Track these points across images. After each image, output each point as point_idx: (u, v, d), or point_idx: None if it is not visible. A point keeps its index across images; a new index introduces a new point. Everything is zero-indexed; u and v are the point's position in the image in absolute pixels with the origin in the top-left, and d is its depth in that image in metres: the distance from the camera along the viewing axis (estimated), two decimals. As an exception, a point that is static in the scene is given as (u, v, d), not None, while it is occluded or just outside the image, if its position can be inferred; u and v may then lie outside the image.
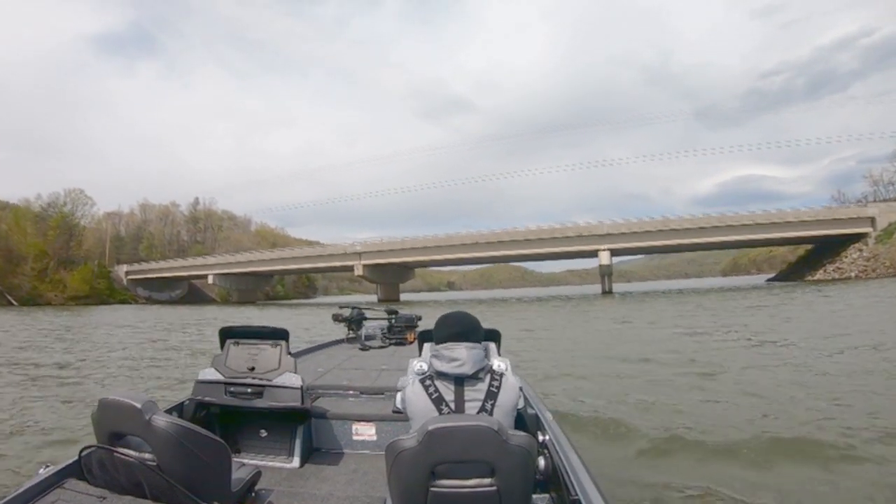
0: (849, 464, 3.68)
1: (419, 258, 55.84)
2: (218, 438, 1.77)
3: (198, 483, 1.64)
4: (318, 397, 3.31)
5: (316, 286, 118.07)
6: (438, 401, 1.68)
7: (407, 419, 1.77)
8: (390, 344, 5.44)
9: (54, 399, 6.76)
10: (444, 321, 1.86)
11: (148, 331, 19.19)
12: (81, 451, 1.76)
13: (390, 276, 60.20)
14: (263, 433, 2.89)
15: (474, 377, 1.71)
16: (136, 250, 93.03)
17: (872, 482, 3.36)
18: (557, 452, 1.94)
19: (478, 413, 1.65)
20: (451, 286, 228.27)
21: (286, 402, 2.73)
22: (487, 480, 1.43)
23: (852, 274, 44.72)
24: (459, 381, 1.71)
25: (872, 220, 46.23)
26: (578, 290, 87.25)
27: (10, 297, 58.91)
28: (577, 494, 1.58)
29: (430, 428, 1.40)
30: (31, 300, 59.84)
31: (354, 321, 5.71)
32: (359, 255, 56.32)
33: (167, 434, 1.61)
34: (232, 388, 2.81)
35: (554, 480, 1.88)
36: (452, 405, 1.67)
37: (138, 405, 1.63)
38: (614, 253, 49.97)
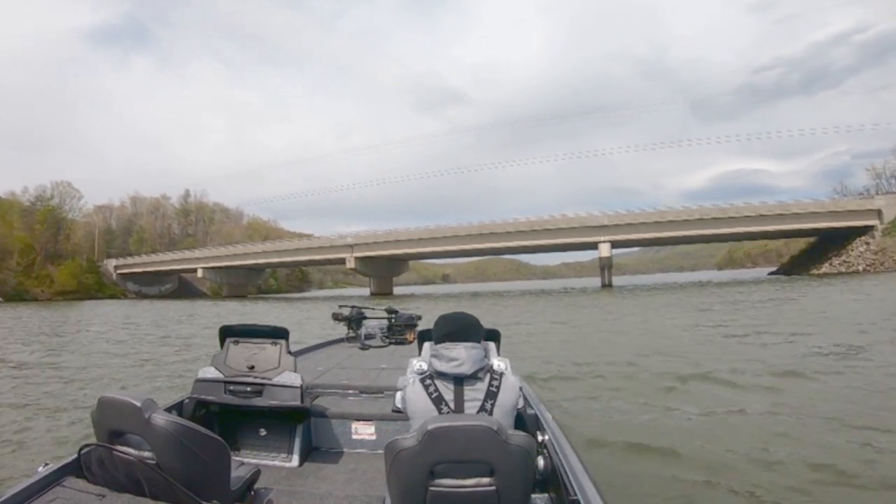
0: None
1: (412, 250, 54.26)
2: (217, 437, 1.77)
3: (197, 481, 1.65)
4: (318, 396, 3.27)
5: (310, 280, 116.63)
6: (438, 400, 1.68)
7: (406, 418, 1.76)
8: (390, 343, 5.36)
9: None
10: (443, 321, 1.84)
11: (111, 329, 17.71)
12: (81, 450, 1.76)
13: (383, 269, 58.62)
14: (263, 432, 2.89)
15: (474, 377, 1.71)
16: (127, 244, 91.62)
17: None
18: (557, 453, 1.93)
19: (477, 413, 1.65)
20: (445, 279, 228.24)
21: (286, 400, 2.71)
22: (487, 480, 1.43)
23: (860, 268, 43.46)
24: (459, 380, 1.71)
25: (879, 213, 44.99)
26: (577, 282, 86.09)
27: (-6, 293, 57.63)
28: (576, 495, 1.57)
29: (430, 427, 1.41)
30: (18, 296, 58.78)
31: (354, 320, 5.64)
32: (350, 247, 54.72)
33: (166, 432, 1.62)
34: (231, 387, 2.77)
35: (553, 480, 1.88)
36: (452, 405, 1.67)
37: (138, 403, 1.63)
38: (615, 245, 48.47)
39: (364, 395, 3.32)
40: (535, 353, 9.20)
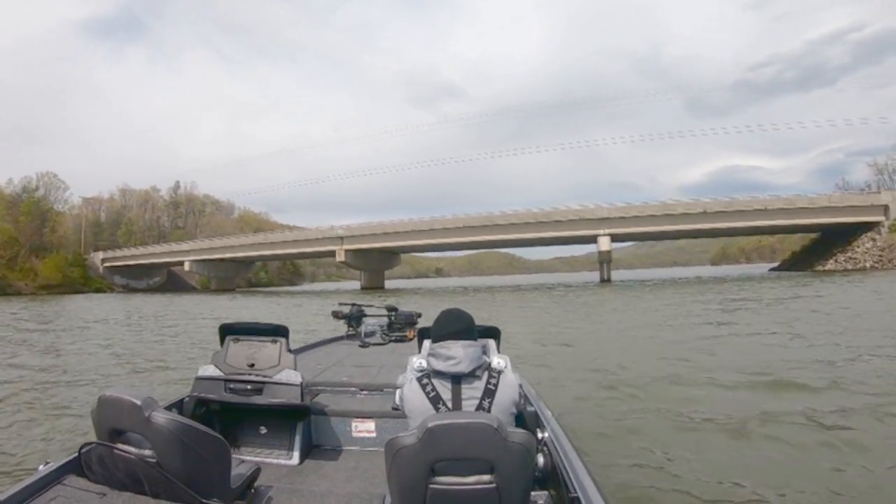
0: None
1: (404, 243, 52.43)
2: (217, 435, 1.78)
3: (197, 479, 1.65)
4: (318, 394, 3.22)
5: (302, 273, 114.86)
6: (436, 399, 1.67)
7: (406, 416, 1.77)
8: (390, 341, 5.33)
9: None
10: (440, 319, 1.84)
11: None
12: (81, 448, 1.77)
13: (375, 262, 56.68)
14: (263, 430, 2.88)
15: (471, 375, 1.70)
16: (115, 237, 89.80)
17: None
18: (557, 450, 1.94)
19: (475, 411, 1.65)
20: (439, 273, 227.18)
21: (286, 398, 2.70)
22: (487, 478, 1.43)
23: (867, 264, 42.08)
24: (456, 379, 1.69)
25: (886, 208, 43.68)
26: (574, 277, 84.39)
27: (-25, 287, 55.87)
28: (576, 492, 1.58)
29: (430, 425, 1.41)
30: (0, 289, 56.59)
31: (354, 318, 5.66)
32: (341, 239, 52.80)
33: (167, 431, 1.62)
34: (231, 385, 2.76)
35: (553, 478, 1.89)
36: (450, 403, 1.67)
37: (138, 402, 1.64)
38: (614, 238, 46.90)
39: (364, 392, 3.31)
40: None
